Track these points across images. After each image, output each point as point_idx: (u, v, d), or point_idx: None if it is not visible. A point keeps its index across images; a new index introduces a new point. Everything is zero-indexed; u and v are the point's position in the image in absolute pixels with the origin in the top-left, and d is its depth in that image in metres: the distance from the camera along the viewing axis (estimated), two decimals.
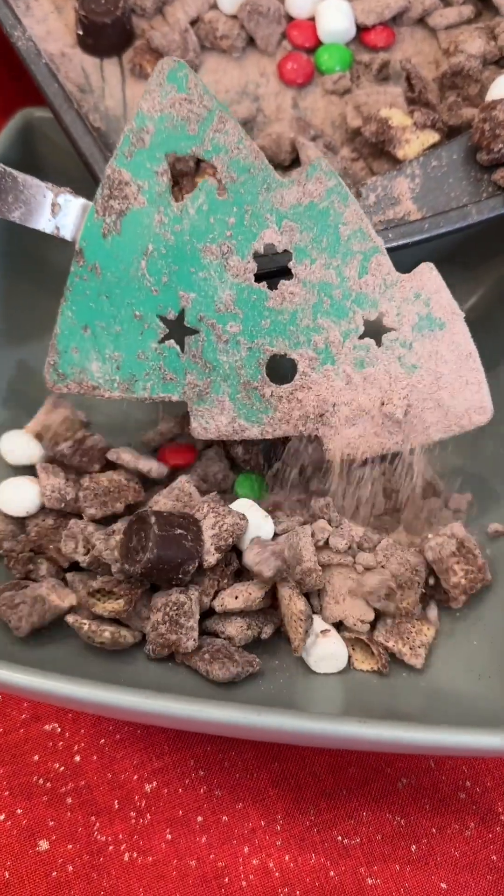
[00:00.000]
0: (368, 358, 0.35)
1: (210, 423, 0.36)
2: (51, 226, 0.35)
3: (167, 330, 0.35)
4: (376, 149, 0.38)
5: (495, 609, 0.36)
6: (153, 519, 0.34)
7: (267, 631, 0.35)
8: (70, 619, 0.34)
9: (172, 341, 0.35)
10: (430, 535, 0.36)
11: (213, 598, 0.35)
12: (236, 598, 0.35)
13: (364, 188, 0.36)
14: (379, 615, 0.36)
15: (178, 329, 0.35)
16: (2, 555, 0.37)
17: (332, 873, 0.34)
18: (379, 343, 0.35)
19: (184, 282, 0.34)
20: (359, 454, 0.36)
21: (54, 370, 0.35)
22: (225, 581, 0.35)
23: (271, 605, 0.36)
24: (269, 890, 0.33)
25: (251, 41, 0.40)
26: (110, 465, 0.39)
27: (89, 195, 0.35)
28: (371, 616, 0.36)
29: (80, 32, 0.39)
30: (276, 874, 0.33)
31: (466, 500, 0.39)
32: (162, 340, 0.35)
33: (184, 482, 0.37)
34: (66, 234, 0.35)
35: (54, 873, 0.33)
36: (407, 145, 0.37)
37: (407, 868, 0.34)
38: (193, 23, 0.40)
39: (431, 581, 0.36)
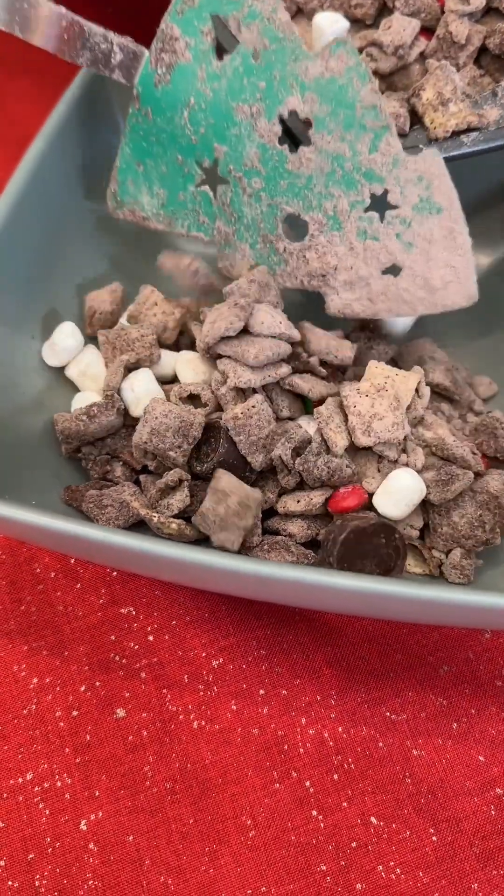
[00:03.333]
0: (371, 230, 0.37)
1: (233, 267, 0.40)
2: (115, 72, 0.38)
3: (203, 176, 0.39)
4: (501, 63, 0.40)
5: None
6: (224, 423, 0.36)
7: (323, 533, 0.37)
8: (143, 511, 0.36)
9: (207, 187, 0.39)
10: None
11: (277, 500, 0.38)
12: (298, 501, 0.37)
13: (500, 89, 0.38)
14: (427, 523, 0.38)
15: (212, 178, 0.39)
16: (81, 458, 0.39)
17: (380, 744, 0.36)
18: (382, 218, 0.37)
19: (218, 135, 0.38)
20: (354, 313, 0.39)
21: (114, 198, 0.41)
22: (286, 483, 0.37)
23: (326, 513, 0.38)
24: (324, 757, 0.36)
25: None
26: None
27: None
28: (420, 523, 0.38)
29: None
30: (331, 743, 0.36)
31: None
32: (199, 185, 0.39)
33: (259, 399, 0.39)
34: (127, 79, 0.38)
35: (130, 737, 0.36)
36: None
37: (448, 742, 0.36)
38: None
39: None
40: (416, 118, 0.39)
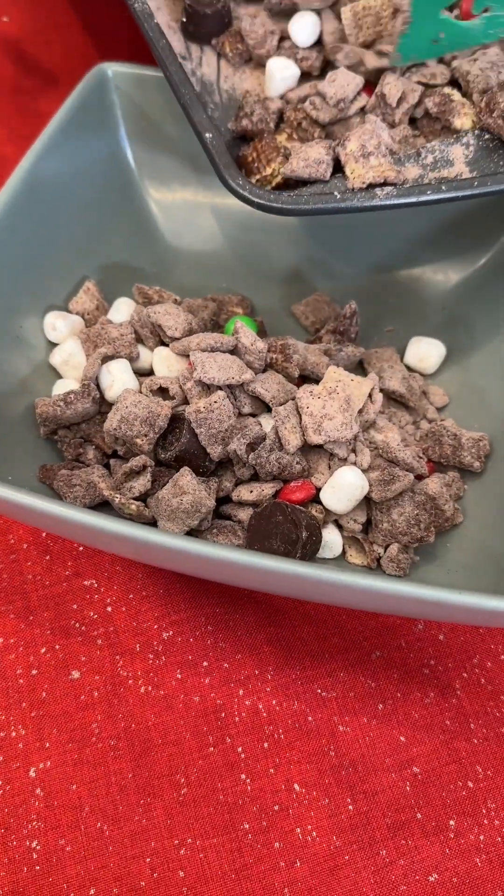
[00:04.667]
0: None
1: None
2: None
3: None
4: (436, 127, 0.41)
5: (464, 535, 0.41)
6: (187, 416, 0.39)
7: None
8: (106, 492, 0.39)
9: None
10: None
11: (233, 488, 0.40)
12: (251, 492, 0.39)
13: (424, 150, 0.40)
14: (370, 519, 0.41)
15: None
16: (57, 440, 0.42)
17: (310, 718, 0.38)
18: None
19: None
20: None
21: None
22: (241, 474, 0.40)
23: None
24: (257, 726, 0.38)
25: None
26: None
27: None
28: (364, 518, 0.40)
29: (184, 20, 0.43)
30: (264, 714, 0.38)
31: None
32: None
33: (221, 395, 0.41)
34: None
35: (82, 697, 0.38)
36: (464, 117, 0.40)
37: (373, 722, 0.39)
38: (282, 40, 0.44)
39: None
40: (339, 167, 0.40)
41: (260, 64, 0.44)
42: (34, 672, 0.39)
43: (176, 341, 0.42)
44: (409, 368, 0.46)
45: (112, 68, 0.47)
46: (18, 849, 0.35)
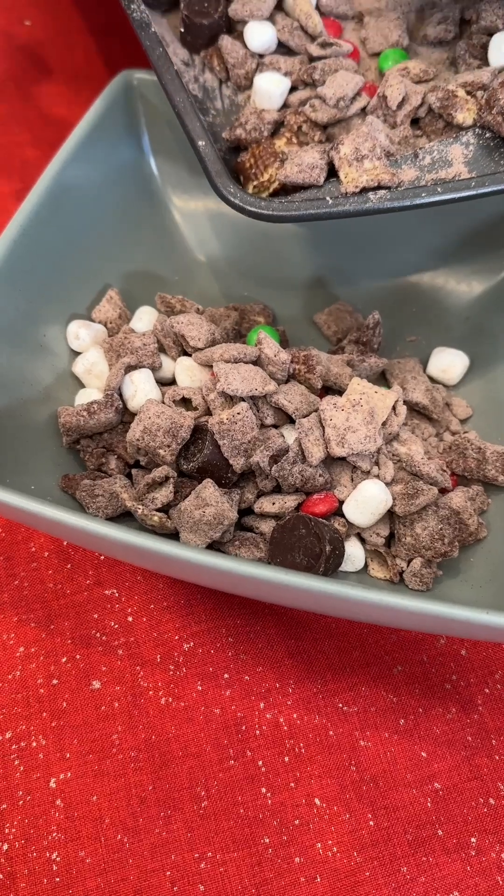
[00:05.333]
0: None
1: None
2: None
3: None
4: (438, 125, 0.40)
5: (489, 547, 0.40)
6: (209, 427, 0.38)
7: None
8: (129, 503, 0.39)
9: None
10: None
11: (255, 500, 0.40)
12: (273, 504, 0.39)
13: (421, 151, 0.39)
14: (393, 532, 0.40)
15: None
16: (80, 449, 0.42)
17: (331, 733, 0.38)
18: None
19: None
20: None
21: None
22: (263, 486, 0.40)
23: None
24: (278, 740, 0.38)
25: None
26: None
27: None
28: (386, 532, 0.40)
29: (182, 30, 0.43)
30: (285, 728, 0.38)
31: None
32: None
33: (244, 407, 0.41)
34: None
35: (103, 707, 0.38)
36: (467, 112, 0.39)
37: (395, 737, 0.38)
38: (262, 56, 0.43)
39: None
40: (335, 171, 0.39)
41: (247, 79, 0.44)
42: (55, 682, 0.39)
43: (199, 351, 0.42)
44: (431, 379, 0.46)
45: (137, 76, 0.47)
46: (38, 860, 0.35)
